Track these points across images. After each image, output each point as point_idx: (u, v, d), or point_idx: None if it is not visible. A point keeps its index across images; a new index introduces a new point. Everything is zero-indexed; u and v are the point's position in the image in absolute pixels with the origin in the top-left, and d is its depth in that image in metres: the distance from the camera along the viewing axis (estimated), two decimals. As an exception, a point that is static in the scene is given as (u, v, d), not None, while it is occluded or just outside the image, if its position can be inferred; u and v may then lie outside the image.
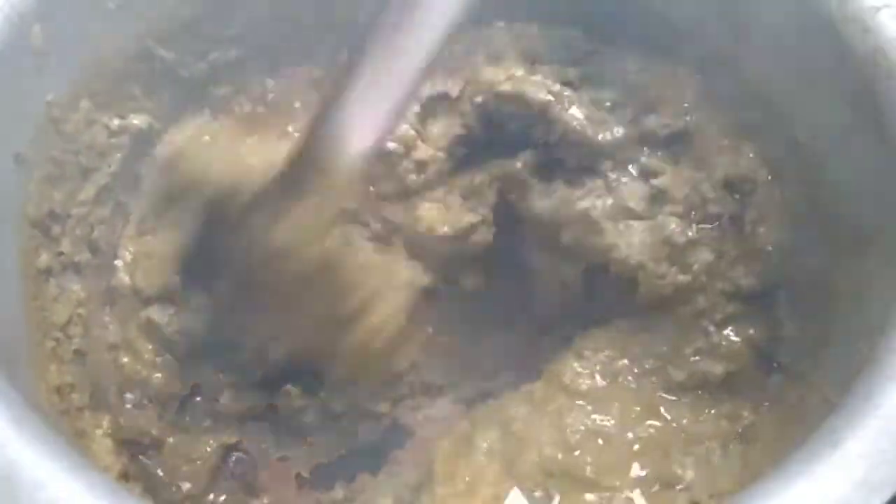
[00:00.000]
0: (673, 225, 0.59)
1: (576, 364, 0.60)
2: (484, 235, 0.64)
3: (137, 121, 0.62)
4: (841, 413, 0.39)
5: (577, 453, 0.55)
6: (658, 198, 0.60)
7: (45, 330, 0.52)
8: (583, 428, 0.56)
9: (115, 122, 0.60)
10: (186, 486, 0.58)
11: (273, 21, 0.65)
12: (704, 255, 0.59)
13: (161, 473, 0.58)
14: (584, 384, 0.59)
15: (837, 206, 0.54)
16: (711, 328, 0.59)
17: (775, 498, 0.37)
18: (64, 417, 0.50)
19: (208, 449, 0.60)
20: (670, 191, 0.59)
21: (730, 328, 0.59)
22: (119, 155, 0.61)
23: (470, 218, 0.63)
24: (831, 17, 0.52)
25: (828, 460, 0.38)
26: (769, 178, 0.59)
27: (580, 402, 0.58)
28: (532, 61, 0.63)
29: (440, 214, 0.63)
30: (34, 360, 0.49)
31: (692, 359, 0.58)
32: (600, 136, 0.60)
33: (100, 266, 0.61)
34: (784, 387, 0.55)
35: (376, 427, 0.63)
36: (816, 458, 0.38)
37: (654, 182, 0.60)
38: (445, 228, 0.62)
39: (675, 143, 0.61)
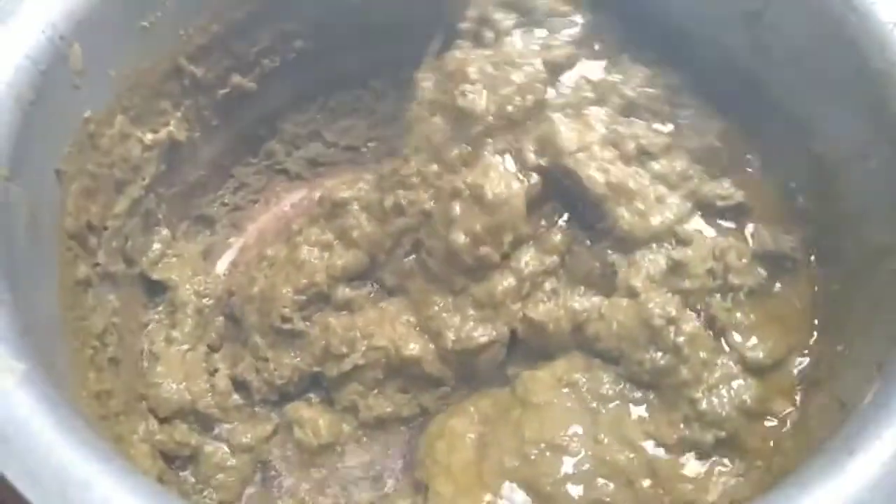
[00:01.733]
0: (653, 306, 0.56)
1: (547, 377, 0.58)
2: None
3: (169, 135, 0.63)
4: (856, 420, 0.40)
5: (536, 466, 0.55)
6: (676, 270, 0.58)
7: (84, 339, 0.54)
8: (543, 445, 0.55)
9: (149, 136, 0.62)
10: (218, 494, 0.60)
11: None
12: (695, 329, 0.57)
13: (194, 480, 0.60)
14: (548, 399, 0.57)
15: (854, 217, 0.55)
16: (698, 395, 0.55)
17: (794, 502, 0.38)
18: (104, 423, 0.51)
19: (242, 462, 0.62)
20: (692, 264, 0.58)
21: (723, 391, 0.56)
22: (152, 168, 0.63)
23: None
24: (851, 32, 0.53)
25: (844, 467, 0.39)
26: (812, 259, 0.59)
27: (542, 414, 0.57)
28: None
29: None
30: (74, 368, 0.51)
31: (680, 426, 0.55)
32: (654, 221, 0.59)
33: (133, 276, 0.63)
34: (806, 397, 0.55)
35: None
36: (832, 465, 0.39)
37: (674, 254, 0.58)
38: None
39: (731, 215, 0.62)
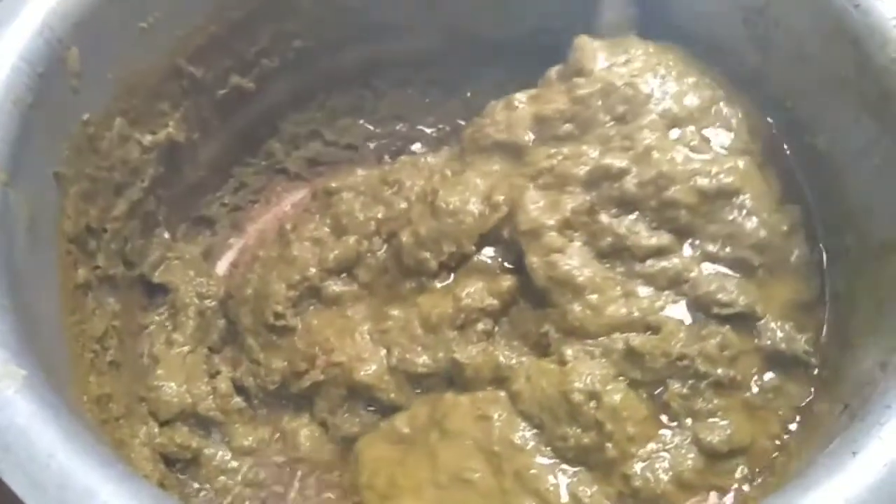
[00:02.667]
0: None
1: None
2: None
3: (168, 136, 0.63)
4: (861, 423, 0.40)
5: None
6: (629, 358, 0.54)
7: (84, 342, 0.54)
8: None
9: (148, 137, 0.62)
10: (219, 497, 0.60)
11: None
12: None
13: (196, 485, 0.60)
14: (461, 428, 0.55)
15: (858, 215, 0.54)
16: (632, 471, 0.52)
17: (797, 504, 0.38)
18: (104, 427, 0.51)
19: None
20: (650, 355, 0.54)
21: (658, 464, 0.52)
22: (151, 170, 0.63)
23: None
24: (853, 28, 0.52)
25: (847, 467, 0.39)
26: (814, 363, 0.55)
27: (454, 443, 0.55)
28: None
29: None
30: (75, 373, 0.51)
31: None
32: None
33: (133, 279, 0.63)
34: (815, 398, 0.54)
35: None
36: (836, 466, 0.39)
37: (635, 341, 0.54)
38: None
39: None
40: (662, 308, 0.55)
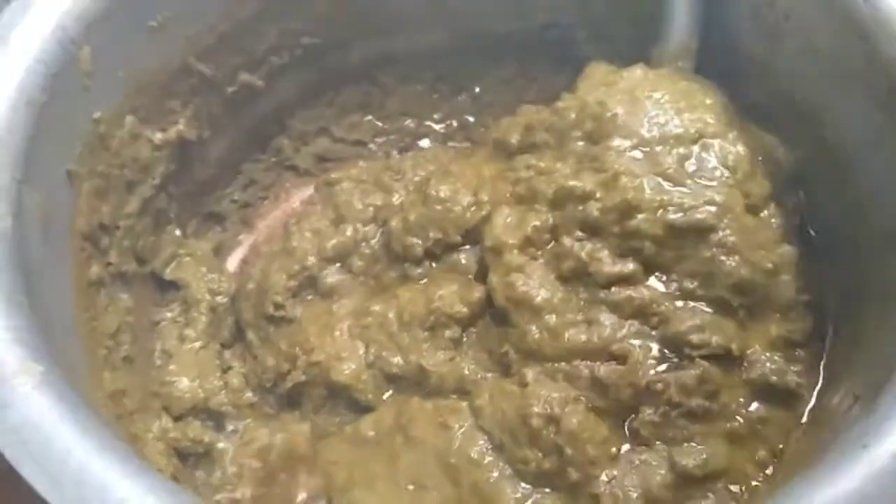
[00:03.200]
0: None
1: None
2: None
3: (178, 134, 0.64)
4: (871, 416, 0.40)
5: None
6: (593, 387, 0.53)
7: (98, 339, 0.54)
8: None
9: (158, 135, 0.62)
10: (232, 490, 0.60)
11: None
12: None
13: (209, 479, 0.60)
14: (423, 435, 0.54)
15: (866, 207, 0.54)
16: (603, 488, 0.50)
17: (805, 500, 0.38)
18: (119, 422, 0.52)
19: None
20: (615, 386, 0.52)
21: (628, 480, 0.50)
22: (162, 168, 0.63)
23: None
24: (862, 21, 0.52)
25: (858, 462, 0.39)
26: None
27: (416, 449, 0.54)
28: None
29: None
30: (90, 368, 0.51)
31: None
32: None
33: (145, 275, 0.64)
34: (822, 391, 0.54)
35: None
36: (846, 461, 0.39)
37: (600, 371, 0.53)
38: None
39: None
40: (626, 337, 0.53)
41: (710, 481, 0.51)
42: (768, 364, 0.53)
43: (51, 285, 0.49)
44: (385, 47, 0.73)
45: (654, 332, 0.53)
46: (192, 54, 0.62)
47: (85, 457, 0.38)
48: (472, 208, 0.60)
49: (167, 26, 0.59)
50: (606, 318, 0.54)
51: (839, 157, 0.57)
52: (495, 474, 0.52)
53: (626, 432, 0.52)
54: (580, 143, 0.58)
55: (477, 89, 0.76)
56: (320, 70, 0.72)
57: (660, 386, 0.51)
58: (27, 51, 0.49)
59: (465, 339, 0.58)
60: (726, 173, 0.55)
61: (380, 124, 0.77)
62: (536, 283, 0.55)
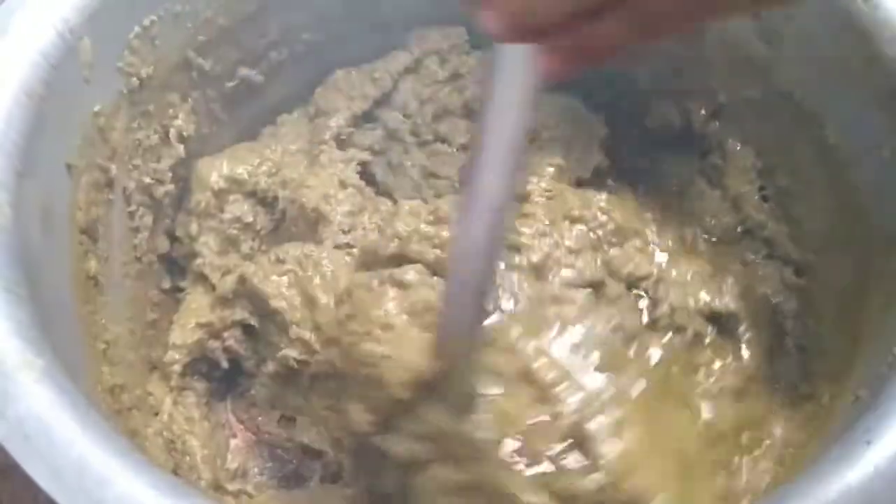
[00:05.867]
0: None
1: None
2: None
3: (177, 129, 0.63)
4: (874, 412, 0.40)
5: None
6: None
7: (96, 333, 0.54)
8: None
9: (157, 129, 0.62)
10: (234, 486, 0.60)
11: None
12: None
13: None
14: None
15: (867, 208, 0.55)
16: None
17: (809, 497, 0.38)
18: (118, 417, 0.52)
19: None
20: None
21: None
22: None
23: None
24: (862, 21, 0.52)
25: (861, 458, 0.39)
26: None
27: None
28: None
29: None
30: (89, 363, 0.51)
31: None
32: None
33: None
34: (818, 389, 0.54)
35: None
36: (850, 457, 0.39)
37: None
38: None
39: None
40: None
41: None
42: None
43: (50, 278, 0.49)
44: (386, 43, 0.72)
45: None
46: (192, 48, 0.62)
47: (86, 450, 0.38)
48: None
49: (167, 19, 0.59)
50: None
51: (840, 160, 0.57)
52: None
53: None
54: None
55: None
56: (320, 65, 0.72)
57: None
58: (29, 42, 0.49)
59: None
60: None
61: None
62: None
